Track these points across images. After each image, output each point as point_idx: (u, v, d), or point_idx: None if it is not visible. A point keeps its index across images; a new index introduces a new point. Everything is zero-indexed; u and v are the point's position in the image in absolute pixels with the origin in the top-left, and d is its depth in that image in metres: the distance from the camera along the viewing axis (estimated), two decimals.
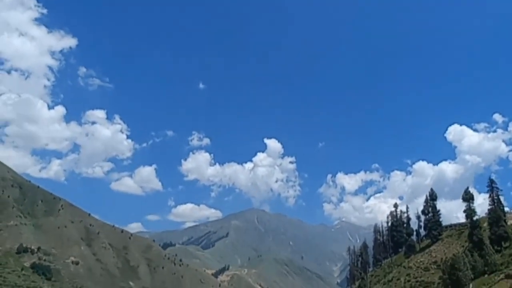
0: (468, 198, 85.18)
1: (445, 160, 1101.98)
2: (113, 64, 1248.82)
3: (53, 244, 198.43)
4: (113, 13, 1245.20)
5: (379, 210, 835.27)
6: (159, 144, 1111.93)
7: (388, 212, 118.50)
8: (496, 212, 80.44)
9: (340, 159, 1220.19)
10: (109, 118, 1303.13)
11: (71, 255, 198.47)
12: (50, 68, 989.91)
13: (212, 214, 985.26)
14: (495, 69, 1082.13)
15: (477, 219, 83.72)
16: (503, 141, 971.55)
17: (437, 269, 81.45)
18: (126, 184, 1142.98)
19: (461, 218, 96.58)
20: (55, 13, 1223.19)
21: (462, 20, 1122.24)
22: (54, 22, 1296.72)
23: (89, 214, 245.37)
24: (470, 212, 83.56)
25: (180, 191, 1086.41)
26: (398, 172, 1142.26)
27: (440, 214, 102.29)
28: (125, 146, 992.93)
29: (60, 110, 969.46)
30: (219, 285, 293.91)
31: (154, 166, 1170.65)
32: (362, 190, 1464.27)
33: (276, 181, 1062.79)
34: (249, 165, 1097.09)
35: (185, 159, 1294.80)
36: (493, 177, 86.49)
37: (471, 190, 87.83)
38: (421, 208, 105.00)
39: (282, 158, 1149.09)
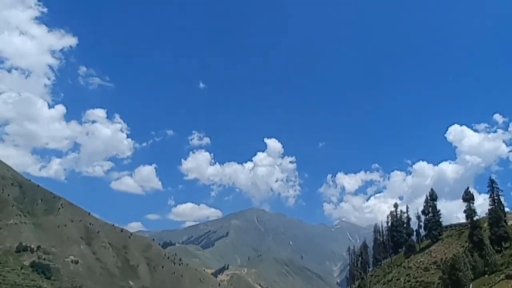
0: (468, 198, 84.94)
1: (445, 160, 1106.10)
2: (114, 63, 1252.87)
3: (53, 243, 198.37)
4: (113, 12, 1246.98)
5: (379, 210, 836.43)
6: (159, 143, 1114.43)
7: (388, 212, 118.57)
8: (496, 212, 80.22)
9: (340, 159, 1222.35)
10: (109, 117, 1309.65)
11: (70, 254, 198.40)
12: (51, 67, 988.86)
13: (212, 213, 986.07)
14: (495, 69, 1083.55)
15: (477, 219, 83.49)
16: (504, 141, 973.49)
17: (437, 269, 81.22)
18: (126, 183, 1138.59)
19: (461, 219, 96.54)
20: (56, 12, 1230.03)
21: (462, 20, 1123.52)
22: (54, 21, 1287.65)
23: (89, 213, 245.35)
24: (470, 212, 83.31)
25: (180, 191, 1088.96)
26: (398, 172, 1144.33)
27: (440, 214, 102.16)
28: (125, 145, 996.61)
29: (60, 109, 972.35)
30: (219, 285, 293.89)
31: (154, 165, 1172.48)
32: (362, 190, 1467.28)
33: (276, 181, 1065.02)
34: (249, 165, 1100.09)
35: (185, 159, 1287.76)
36: (493, 177, 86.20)
37: (471, 190, 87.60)
38: (421, 208, 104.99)
39: (282, 157, 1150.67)
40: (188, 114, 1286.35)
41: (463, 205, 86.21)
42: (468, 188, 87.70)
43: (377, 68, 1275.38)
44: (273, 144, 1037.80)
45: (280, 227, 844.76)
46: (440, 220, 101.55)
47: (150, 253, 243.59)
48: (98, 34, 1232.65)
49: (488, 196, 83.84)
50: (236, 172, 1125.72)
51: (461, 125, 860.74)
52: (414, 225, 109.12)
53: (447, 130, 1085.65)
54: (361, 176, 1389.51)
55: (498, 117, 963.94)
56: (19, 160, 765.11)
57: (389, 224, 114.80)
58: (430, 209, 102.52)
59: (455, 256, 70.16)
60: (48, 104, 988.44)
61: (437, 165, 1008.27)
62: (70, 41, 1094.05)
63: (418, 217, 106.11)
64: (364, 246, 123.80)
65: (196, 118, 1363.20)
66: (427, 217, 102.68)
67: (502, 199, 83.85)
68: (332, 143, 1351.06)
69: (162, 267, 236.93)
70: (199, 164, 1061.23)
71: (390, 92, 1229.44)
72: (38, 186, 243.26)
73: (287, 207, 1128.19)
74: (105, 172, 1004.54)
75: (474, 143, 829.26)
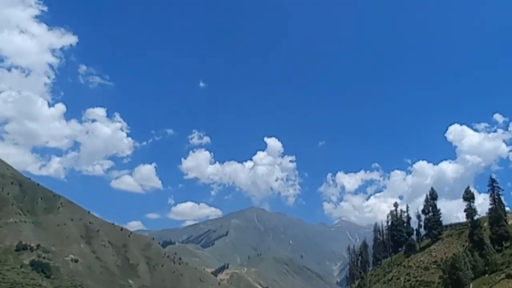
0: (468, 197, 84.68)
1: (446, 160, 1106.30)
2: (114, 62, 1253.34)
3: (53, 241, 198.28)
4: (113, 11, 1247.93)
5: (379, 209, 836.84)
6: (159, 142, 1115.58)
7: (388, 212, 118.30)
8: (497, 211, 79.99)
9: (340, 158, 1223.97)
10: (109, 116, 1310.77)
11: (70, 252, 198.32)
12: (51, 65, 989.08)
13: (212, 212, 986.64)
14: (495, 69, 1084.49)
15: (477, 219, 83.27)
16: (504, 141, 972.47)
17: (437, 269, 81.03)
18: (126, 182, 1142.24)
19: (461, 218, 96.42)
20: (56, 11, 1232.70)
21: (462, 20, 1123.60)
22: (54, 20, 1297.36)
23: (89, 212, 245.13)
24: (470, 212, 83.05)
25: (180, 190, 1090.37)
26: (398, 172, 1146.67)
27: (440, 213, 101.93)
28: (125, 144, 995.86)
29: (60, 107, 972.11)
30: (219, 284, 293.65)
31: (154, 164, 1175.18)
32: (362, 190, 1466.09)
33: (276, 180, 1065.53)
34: (249, 164, 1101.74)
35: (185, 158, 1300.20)
36: (493, 177, 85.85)
37: (471, 190, 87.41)
38: (421, 207, 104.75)
39: (282, 157, 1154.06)
40: (188, 113, 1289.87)
41: (463, 205, 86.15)
42: (468, 187, 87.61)
43: (377, 68, 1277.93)
44: (273, 143, 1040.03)
45: (280, 227, 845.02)
46: (440, 219, 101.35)
47: (150, 252, 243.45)
48: (98, 33, 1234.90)
49: (487, 195, 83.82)
50: (236, 171, 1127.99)
51: (461, 125, 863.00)
52: (414, 224, 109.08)
53: (447, 129, 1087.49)
54: (361, 175, 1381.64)
55: (498, 117, 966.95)
56: (19, 159, 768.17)
57: (389, 223, 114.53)
58: (430, 208, 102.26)
59: (456, 255, 70.02)
60: (48, 103, 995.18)
61: (437, 164, 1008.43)
62: (70, 39, 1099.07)
63: (418, 217, 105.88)
64: (364, 245, 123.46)
65: (196, 117, 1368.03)
66: (427, 216, 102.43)
67: (502, 198, 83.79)
68: (332, 142, 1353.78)
69: (162, 266, 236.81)
70: (199, 163, 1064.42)
71: (390, 92, 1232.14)
72: (38, 184, 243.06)
73: (287, 206, 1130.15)
74: (105, 171, 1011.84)
75: (474, 142, 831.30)
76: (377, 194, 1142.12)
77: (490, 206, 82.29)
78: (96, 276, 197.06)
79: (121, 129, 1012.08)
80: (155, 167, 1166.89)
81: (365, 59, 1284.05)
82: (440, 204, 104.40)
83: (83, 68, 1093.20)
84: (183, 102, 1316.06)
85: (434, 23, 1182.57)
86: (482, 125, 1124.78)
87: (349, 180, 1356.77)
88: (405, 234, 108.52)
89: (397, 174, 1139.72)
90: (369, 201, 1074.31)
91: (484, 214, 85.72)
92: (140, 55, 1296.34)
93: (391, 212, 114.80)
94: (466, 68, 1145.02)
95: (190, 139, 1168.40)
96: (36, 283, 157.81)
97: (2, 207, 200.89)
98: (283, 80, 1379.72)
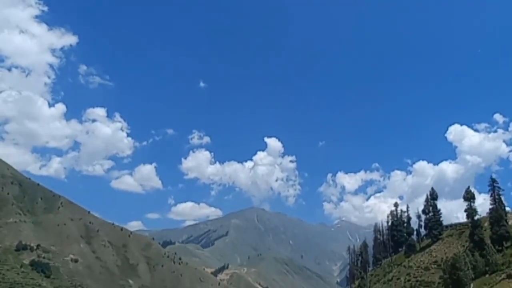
0: (469, 197, 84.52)
1: (446, 160, 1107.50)
2: (114, 62, 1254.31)
3: (53, 241, 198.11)
4: (113, 11, 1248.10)
5: (379, 209, 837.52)
6: (159, 142, 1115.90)
7: (388, 212, 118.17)
8: (497, 211, 79.82)
9: (340, 158, 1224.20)
10: (110, 116, 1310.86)
11: (70, 252, 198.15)
12: (51, 65, 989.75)
13: (212, 212, 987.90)
14: (495, 69, 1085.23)
15: (478, 219, 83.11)
16: (504, 141, 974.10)
17: (438, 269, 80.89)
18: (126, 182, 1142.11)
19: (461, 218, 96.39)
20: (56, 11, 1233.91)
21: (462, 20, 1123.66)
22: (54, 20, 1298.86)
23: (89, 212, 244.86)
24: (471, 212, 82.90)
25: (180, 190, 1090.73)
26: (398, 172, 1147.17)
27: (440, 213, 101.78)
28: (125, 144, 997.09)
29: (60, 107, 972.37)
30: (218, 284, 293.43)
31: (154, 164, 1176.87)
32: (362, 190, 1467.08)
33: (276, 180, 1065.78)
34: (249, 164, 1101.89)
35: (185, 158, 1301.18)
36: (494, 177, 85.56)
37: (472, 190, 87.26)
38: (421, 207, 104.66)
39: (282, 157, 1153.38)
40: (188, 113, 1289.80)
41: (463, 205, 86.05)
42: (469, 187, 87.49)
43: (377, 68, 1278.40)
44: (273, 143, 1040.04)
45: (280, 227, 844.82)
46: (441, 219, 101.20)
47: (150, 252, 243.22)
48: (98, 33, 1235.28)
49: (488, 195, 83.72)
50: (236, 171, 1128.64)
51: (461, 125, 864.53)
52: (414, 224, 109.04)
53: (447, 130, 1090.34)
54: (361, 175, 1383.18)
55: (498, 117, 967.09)
56: (19, 159, 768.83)
57: (389, 223, 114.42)
58: (430, 208, 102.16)
59: (456, 255, 69.87)
60: (48, 103, 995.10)
61: (437, 164, 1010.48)
62: (71, 39, 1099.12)
63: (419, 217, 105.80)
64: (364, 245, 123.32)
65: (196, 117, 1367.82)
66: (428, 216, 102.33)
67: (502, 198, 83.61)
68: (332, 142, 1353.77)
69: (162, 266, 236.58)
70: (199, 163, 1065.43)
71: (390, 92, 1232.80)
72: (38, 184, 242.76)
73: (287, 207, 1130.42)
74: (105, 171, 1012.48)
75: (474, 143, 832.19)
76: (377, 194, 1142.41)
77: (490, 206, 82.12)
78: (96, 276, 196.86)
79: (121, 129, 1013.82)
80: (155, 167, 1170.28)
81: (365, 59, 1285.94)
82: (440, 204, 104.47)
83: (83, 68, 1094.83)
84: (183, 102, 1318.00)
85: (434, 23, 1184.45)
86: (482, 125, 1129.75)
87: (349, 180, 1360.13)
88: (405, 234, 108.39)
89: (397, 174, 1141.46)
90: (369, 201, 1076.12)
91: (483, 215, 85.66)
92: (140, 55, 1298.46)
93: (391, 212, 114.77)
94: (466, 68, 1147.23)
95: (190, 139, 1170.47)
96: (36, 283, 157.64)
97: (2, 207, 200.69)
98: (283, 80, 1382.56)
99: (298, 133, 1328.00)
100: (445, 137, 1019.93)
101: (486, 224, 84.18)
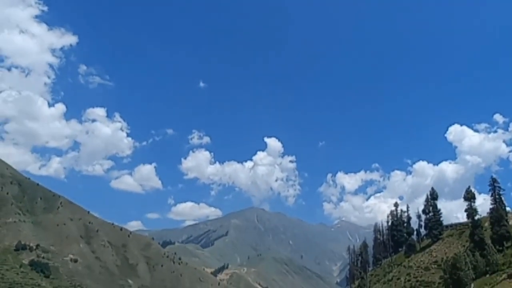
0: (469, 197, 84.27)
1: (446, 160, 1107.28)
2: (114, 62, 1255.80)
3: (52, 241, 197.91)
4: (113, 11, 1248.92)
5: (379, 209, 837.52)
6: (159, 142, 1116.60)
7: (388, 212, 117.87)
8: (498, 211, 79.58)
9: (340, 158, 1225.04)
10: (109, 116, 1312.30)
11: (70, 252, 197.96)
12: (51, 65, 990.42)
13: (212, 212, 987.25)
14: (495, 69, 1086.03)
15: (478, 219, 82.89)
16: (504, 141, 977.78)
17: (438, 269, 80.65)
18: (126, 182, 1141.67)
19: (461, 218, 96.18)
20: (56, 11, 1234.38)
21: (462, 20, 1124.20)
22: (54, 20, 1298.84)
23: (89, 212, 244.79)
24: (471, 211, 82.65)
25: (180, 190, 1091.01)
26: (398, 172, 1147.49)
27: (441, 213, 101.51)
28: (125, 144, 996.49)
29: (60, 107, 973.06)
30: (218, 284, 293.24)
31: (154, 164, 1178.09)
32: (362, 190, 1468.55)
33: (276, 180, 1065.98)
34: (249, 164, 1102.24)
35: (185, 158, 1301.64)
36: (494, 177, 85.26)
37: (472, 190, 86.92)
38: (421, 208, 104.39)
39: (282, 157, 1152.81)
40: (188, 113, 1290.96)
41: (463, 205, 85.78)
42: (469, 187, 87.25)
43: (377, 68, 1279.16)
44: (273, 143, 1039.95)
45: (280, 227, 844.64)
46: (441, 219, 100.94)
47: (149, 252, 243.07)
48: (98, 33, 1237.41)
49: (488, 196, 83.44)
50: (236, 171, 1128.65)
51: (461, 125, 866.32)
52: (414, 224, 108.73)
53: (447, 130, 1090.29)
54: (361, 175, 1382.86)
55: (498, 117, 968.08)
56: (19, 159, 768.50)
57: (390, 223, 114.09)
58: (430, 208, 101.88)
59: (456, 255, 69.65)
60: (48, 103, 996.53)
61: (437, 165, 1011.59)
62: (70, 39, 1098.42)
63: (419, 216, 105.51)
64: (364, 245, 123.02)
65: (196, 117, 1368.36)
66: (428, 216, 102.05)
67: (503, 198, 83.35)
68: (332, 142, 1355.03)
69: (162, 266, 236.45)
70: (199, 163, 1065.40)
71: (390, 92, 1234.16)
72: (38, 184, 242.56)
73: (287, 207, 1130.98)
74: (105, 171, 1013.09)
75: (474, 143, 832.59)
76: (377, 195, 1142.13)
77: (491, 206, 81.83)
78: (96, 276, 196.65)
79: (121, 129, 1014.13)
80: (155, 167, 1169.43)
81: (365, 59, 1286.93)
82: (440, 204, 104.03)
83: (83, 68, 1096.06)
84: (183, 102, 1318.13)
85: (434, 23, 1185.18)
86: (482, 125, 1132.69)
87: (349, 180, 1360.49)
88: (405, 234, 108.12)
89: (397, 175, 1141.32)
90: (369, 201, 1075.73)
91: (483, 215, 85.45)
92: (140, 55, 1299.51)
93: (391, 212, 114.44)
94: (466, 68, 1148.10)
95: (190, 139, 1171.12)
96: (35, 283, 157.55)
97: (1, 206, 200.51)
98: (283, 80, 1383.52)
99: (298, 133, 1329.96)
100: (445, 137, 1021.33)
101: (486, 224, 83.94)
